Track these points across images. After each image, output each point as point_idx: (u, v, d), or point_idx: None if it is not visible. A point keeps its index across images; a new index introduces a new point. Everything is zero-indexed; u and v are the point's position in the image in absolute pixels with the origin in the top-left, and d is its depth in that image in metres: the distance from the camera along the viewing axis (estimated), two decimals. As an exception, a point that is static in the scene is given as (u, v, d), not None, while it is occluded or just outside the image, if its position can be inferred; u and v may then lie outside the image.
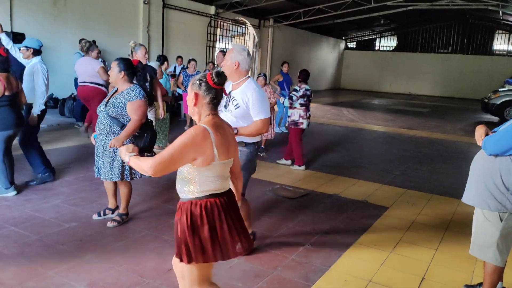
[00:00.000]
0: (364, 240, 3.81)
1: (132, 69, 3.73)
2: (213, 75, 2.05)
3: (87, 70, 6.59)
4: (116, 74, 3.64)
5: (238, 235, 2.10)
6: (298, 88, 6.21)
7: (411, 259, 3.51)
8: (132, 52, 5.45)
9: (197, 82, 2.07)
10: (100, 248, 3.40)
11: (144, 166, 1.94)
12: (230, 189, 2.20)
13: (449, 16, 24.13)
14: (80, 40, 8.12)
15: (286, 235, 3.84)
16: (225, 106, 3.23)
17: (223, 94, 2.16)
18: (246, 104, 3.13)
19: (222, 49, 8.41)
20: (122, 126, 3.64)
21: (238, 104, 3.15)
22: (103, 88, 6.71)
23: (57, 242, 3.45)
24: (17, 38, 9.02)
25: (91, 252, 3.32)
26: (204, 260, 2.05)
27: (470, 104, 20.47)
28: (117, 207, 4.02)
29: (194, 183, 2.05)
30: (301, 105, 6.16)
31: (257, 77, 7.09)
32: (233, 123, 3.08)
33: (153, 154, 3.73)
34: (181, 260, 2.05)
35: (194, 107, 2.10)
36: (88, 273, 2.99)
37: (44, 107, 4.84)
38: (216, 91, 2.07)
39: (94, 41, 10.49)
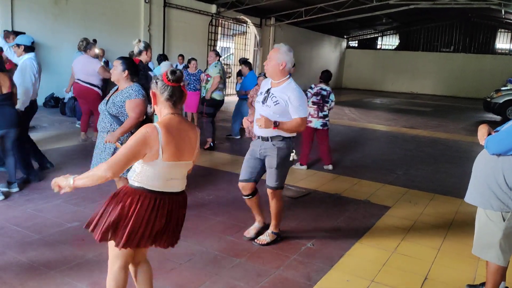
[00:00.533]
0: (366, 240, 3.80)
1: (134, 68, 3.73)
2: (168, 73, 2.08)
3: (86, 69, 6.60)
4: (119, 72, 3.63)
5: (160, 236, 2.19)
6: (313, 86, 6.22)
7: (413, 258, 3.50)
8: (141, 50, 5.26)
9: (154, 81, 2.14)
10: (102, 247, 3.36)
11: (100, 172, 1.98)
12: (177, 193, 2.22)
13: (451, 15, 24.05)
14: (88, 41, 8.10)
15: (288, 234, 3.83)
16: (263, 102, 3.40)
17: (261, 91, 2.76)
18: (286, 102, 3.30)
19: (214, 49, 8.35)
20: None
21: (277, 101, 3.33)
22: (96, 89, 6.73)
23: (59, 241, 3.45)
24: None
25: (93, 251, 3.31)
26: (117, 244, 2.11)
27: (473, 103, 20.43)
28: None
29: (138, 174, 2.12)
30: (313, 103, 6.13)
31: (258, 76, 7.09)
32: (271, 117, 3.29)
33: None
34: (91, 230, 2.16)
35: (155, 106, 2.16)
36: (90, 272, 2.99)
37: (28, 105, 4.85)
38: (172, 88, 2.10)
39: (94, 40, 10.50)
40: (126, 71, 3.64)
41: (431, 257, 3.54)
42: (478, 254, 2.79)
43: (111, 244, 2.17)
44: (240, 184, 3.63)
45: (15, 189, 4.49)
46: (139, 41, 5.28)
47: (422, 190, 5.45)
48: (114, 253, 2.21)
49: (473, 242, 2.81)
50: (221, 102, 7.44)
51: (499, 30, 25.89)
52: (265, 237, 3.64)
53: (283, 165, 3.48)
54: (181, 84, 2.15)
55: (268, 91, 3.42)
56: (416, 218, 4.43)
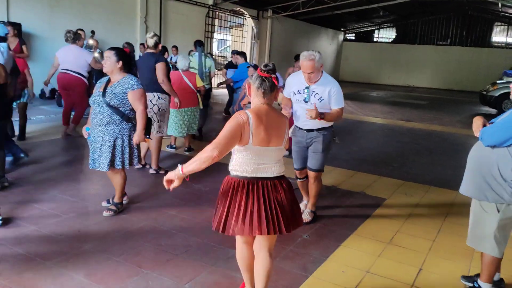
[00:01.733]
0: (361, 231, 3.82)
1: (128, 58, 3.72)
2: (262, 66, 2.28)
3: (78, 60, 6.52)
4: (113, 63, 3.62)
5: (254, 219, 2.24)
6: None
7: (408, 250, 3.53)
8: (157, 43, 5.16)
9: (252, 75, 2.42)
10: (98, 238, 3.40)
11: (207, 153, 2.15)
12: (271, 177, 2.30)
13: (448, 8, 24.01)
14: (77, 31, 7.98)
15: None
16: (305, 100, 3.66)
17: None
18: (328, 95, 3.60)
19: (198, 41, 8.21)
20: (123, 116, 3.66)
21: (321, 97, 3.61)
22: (85, 79, 6.69)
23: (55, 232, 3.45)
24: (15, 28, 8.95)
25: (89, 242, 3.32)
26: (216, 228, 2.32)
27: (469, 96, 20.46)
28: (124, 194, 4.07)
29: (233, 164, 2.33)
30: None
31: (248, 67, 7.04)
32: None
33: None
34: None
35: (249, 96, 2.36)
36: (86, 263, 2.99)
37: None
38: (262, 79, 2.27)
39: (93, 32, 10.44)
40: (120, 62, 3.63)
41: (426, 248, 3.57)
42: (473, 246, 2.81)
43: None
44: (297, 171, 4.10)
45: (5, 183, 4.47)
46: (155, 34, 5.20)
47: (418, 182, 5.47)
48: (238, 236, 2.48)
49: (468, 234, 2.83)
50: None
51: (496, 23, 25.88)
52: (307, 216, 3.94)
53: (327, 150, 3.89)
54: (273, 76, 2.29)
55: (307, 88, 3.64)
56: (412, 210, 4.46)
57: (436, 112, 13.91)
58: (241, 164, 2.29)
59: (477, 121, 2.71)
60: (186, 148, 6.42)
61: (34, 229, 3.47)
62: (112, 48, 3.71)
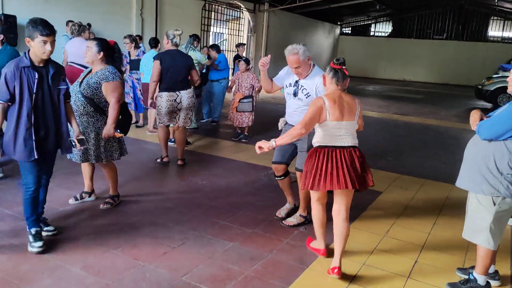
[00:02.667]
0: (357, 224, 3.84)
1: (110, 50, 3.67)
2: (335, 60, 2.90)
3: (79, 51, 6.48)
4: (94, 54, 3.57)
5: (337, 178, 2.84)
6: None
7: (404, 242, 3.55)
8: (177, 40, 5.18)
9: (326, 68, 2.97)
10: (95, 231, 3.40)
11: (297, 131, 2.81)
12: (347, 146, 2.90)
13: (444, 2, 24.03)
14: (68, 22, 7.94)
15: (281, 219, 3.85)
16: (294, 95, 3.57)
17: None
18: (316, 91, 3.45)
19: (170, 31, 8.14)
20: (96, 107, 3.58)
21: (308, 93, 3.49)
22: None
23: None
24: (8, 20, 8.88)
25: (86, 235, 3.32)
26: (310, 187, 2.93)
27: (464, 90, 20.52)
28: (93, 191, 4.04)
29: (316, 137, 2.96)
30: None
31: (238, 61, 7.00)
32: (302, 110, 3.37)
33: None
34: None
35: (325, 86, 3.00)
36: (83, 256, 3.00)
37: None
38: (335, 70, 2.89)
39: (89, 24, 10.35)
40: (101, 53, 3.58)
41: (422, 241, 3.60)
42: (468, 238, 2.83)
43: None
44: (273, 166, 3.84)
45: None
46: (177, 32, 5.21)
47: (413, 176, 5.50)
48: (312, 195, 3.13)
49: (464, 226, 2.85)
50: None
51: (492, 17, 25.91)
52: (293, 219, 3.78)
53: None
54: (344, 67, 2.91)
55: (296, 82, 3.55)
56: (407, 203, 4.49)
57: (432, 106, 13.94)
58: (322, 136, 2.90)
59: (474, 115, 2.72)
60: (188, 141, 6.54)
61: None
62: (94, 39, 3.69)
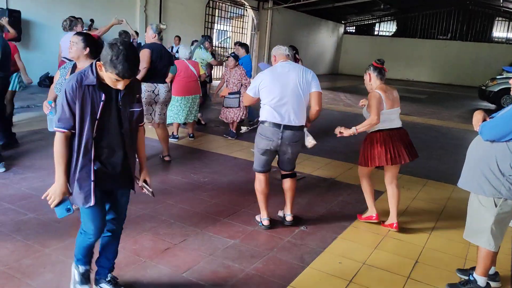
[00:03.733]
0: (359, 224, 3.85)
1: (96, 46, 3.62)
2: (377, 60, 3.70)
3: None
4: (80, 49, 3.43)
5: (395, 154, 3.61)
6: None
7: (405, 242, 3.55)
8: (160, 33, 5.25)
9: (369, 67, 3.74)
10: (97, 227, 3.40)
11: (370, 122, 3.52)
12: (398, 128, 3.69)
13: (449, 2, 23.95)
14: (71, 19, 7.86)
15: (282, 217, 3.86)
16: None
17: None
18: None
19: (177, 35, 8.17)
20: None
21: None
22: None
23: (54, 220, 3.44)
24: (13, 15, 8.90)
25: (88, 231, 3.32)
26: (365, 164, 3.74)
27: (468, 91, 20.47)
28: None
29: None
30: None
31: (227, 57, 6.99)
32: None
33: None
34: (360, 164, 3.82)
35: (369, 82, 3.70)
36: (85, 251, 3.00)
37: None
38: (379, 69, 3.68)
39: (92, 20, 10.37)
40: (87, 48, 3.51)
41: (423, 241, 3.60)
42: (469, 239, 2.83)
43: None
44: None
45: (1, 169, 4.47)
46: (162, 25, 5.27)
47: (415, 176, 5.49)
48: (362, 172, 3.88)
49: (465, 227, 2.85)
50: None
51: (497, 18, 25.83)
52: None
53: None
54: (383, 66, 3.71)
55: None
56: (409, 203, 4.49)
57: (435, 106, 13.92)
58: (382, 122, 3.53)
59: (477, 115, 2.72)
60: (190, 135, 6.65)
61: (33, 217, 3.47)
62: (79, 33, 3.54)
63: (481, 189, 2.65)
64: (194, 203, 4.07)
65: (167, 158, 5.40)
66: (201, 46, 7.55)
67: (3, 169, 4.46)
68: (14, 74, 5.84)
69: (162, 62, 5.10)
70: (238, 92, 6.79)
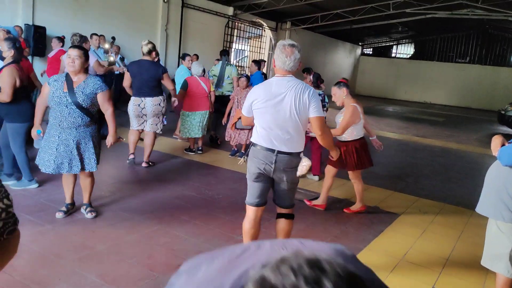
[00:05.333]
0: (374, 246, 3.79)
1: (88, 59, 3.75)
2: (344, 78, 3.96)
3: None
4: (82, 63, 3.58)
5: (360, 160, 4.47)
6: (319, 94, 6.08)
7: (421, 267, 3.49)
8: (151, 50, 5.54)
9: (341, 83, 4.45)
10: (112, 240, 3.44)
11: (334, 132, 4.06)
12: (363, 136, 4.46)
13: (468, 26, 23.85)
14: (91, 35, 8.01)
15: (296, 237, 3.83)
16: None
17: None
18: None
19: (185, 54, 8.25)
20: (92, 117, 3.65)
21: None
22: None
23: (70, 232, 3.50)
24: (38, 31, 9.20)
25: (103, 243, 3.36)
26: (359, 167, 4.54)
27: (487, 115, 20.20)
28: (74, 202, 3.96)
29: (350, 134, 4.44)
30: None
31: (239, 78, 6.85)
32: None
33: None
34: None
35: (343, 96, 4.43)
36: (99, 264, 3.03)
37: None
38: (348, 85, 4.49)
39: (113, 38, 10.63)
40: (87, 62, 3.66)
41: (439, 266, 3.52)
42: (487, 266, 2.77)
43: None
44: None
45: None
46: (149, 42, 5.58)
47: (433, 199, 5.41)
48: (331, 172, 4.62)
49: (483, 253, 2.79)
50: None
51: (517, 42, 25.60)
52: None
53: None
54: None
55: None
56: (426, 227, 4.41)
57: (453, 129, 13.76)
58: (354, 132, 4.43)
59: (496, 140, 2.69)
60: (199, 148, 6.75)
61: (50, 228, 3.53)
62: (79, 47, 3.60)
63: (499, 215, 2.61)
64: (208, 219, 4.08)
65: (144, 164, 5.69)
66: (227, 62, 7.72)
67: (36, 185, 4.49)
68: (35, 91, 6.02)
69: (144, 77, 5.46)
70: None
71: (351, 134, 4.45)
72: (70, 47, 3.68)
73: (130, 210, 4.10)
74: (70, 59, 3.53)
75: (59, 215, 3.76)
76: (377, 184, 5.89)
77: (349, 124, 4.34)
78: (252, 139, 3.00)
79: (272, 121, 2.85)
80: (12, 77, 4.11)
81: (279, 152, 2.87)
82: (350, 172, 4.56)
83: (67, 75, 3.61)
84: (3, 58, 4.35)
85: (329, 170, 4.62)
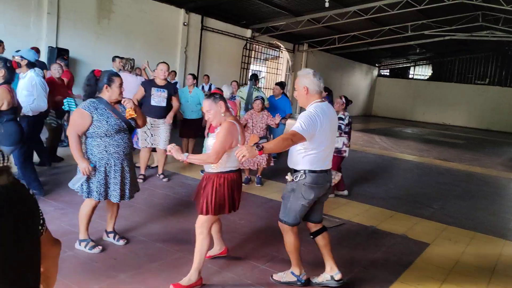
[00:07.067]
0: (406, 279, 3.61)
1: None
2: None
3: (133, 87, 6.58)
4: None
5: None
6: (343, 116, 6.00)
7: (457, 302, 3.30)
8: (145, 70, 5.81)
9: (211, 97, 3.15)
10: (134, 268, 3.34)
11: (205, 157, 3.06)
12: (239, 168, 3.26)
13: (487, 47, 23.64)
14: (114, 58, 8.10)
15: (322, 266, 3.68)
16: None
17: None
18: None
19: (191, 74, 8.22)
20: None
21: None
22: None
23: (92, 259, 3.42)
24: (62, 53, 9.37)
25: (125, 272, 3.26)
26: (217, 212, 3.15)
27: (508, 137, 19.79)
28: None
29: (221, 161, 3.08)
30: (345, 132, 5.97)
31: (254, 100, 6.58)
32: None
33: None
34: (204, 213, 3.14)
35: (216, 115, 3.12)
36: (122, 294, 2.93)
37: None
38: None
39: (133, 59, 10.75)
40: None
41: (476, 302, 3.33)
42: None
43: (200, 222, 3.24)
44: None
45: None
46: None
47: (461, 228, 5.19)
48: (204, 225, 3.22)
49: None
50: None
51: (537, 64, 25.25)
52: (282, 275, 3.36)
53: (288, 199, 3.19)
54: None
55: None
56: (458, 258, 4.21)
57: (475, 152, 13.46)
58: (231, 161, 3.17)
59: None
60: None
61: (71, 255, 3.45)
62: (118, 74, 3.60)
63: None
64: (231, 245, 3.95)
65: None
66: (254, 87, 7.70)
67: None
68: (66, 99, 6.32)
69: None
70: (266, 137, 6.49)
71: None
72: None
73: (151, 236, 4.01)
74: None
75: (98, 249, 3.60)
76: (403, 211, 5.71)
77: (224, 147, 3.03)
78: (308, 167, 3.04)
79: (330, 142, 3.13)
80: (0, 99, 4.14)
81: (329, 170, 3.16)
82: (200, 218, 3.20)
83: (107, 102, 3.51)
84: None
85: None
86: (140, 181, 5.66)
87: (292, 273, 3.32)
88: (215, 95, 3.14)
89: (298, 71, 3.27)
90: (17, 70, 5.28)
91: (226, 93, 6.44)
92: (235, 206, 3.25)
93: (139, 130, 5.67)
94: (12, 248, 1.14)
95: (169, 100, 5.91)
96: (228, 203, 3.13)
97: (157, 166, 6.35)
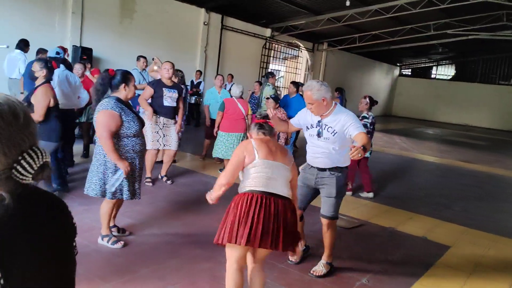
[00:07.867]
0: (425, 281, 3.59)
1: None
2: (257, 115, 3.14)
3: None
4: None
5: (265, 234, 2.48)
6: (367, 116, 6.01)
7: (477, 306, 3.26)
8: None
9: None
10: (155, 264, 3.41)
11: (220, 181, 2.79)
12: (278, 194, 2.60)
13: (511, 47, 23.05)
14: (139, 57, 8.29)
15: (340, 268, 3.68)
16: (319, 135, 3.35)
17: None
18: (342, 125, 3.25)
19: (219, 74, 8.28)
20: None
21: (335, 130, 3.28)
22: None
23: (114, 254, 3.50)
24: (86, 53, 9.57)
25: (146, 267, 3.33)
26: (226, 240, 2.53)
27: (533, 139, 19.30)
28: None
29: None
30: (368, 132, 5.96)
31: (267, 99, 6.62)
32: (332, 149, 3.31)
33: None
34: (215, 241, 2.65)
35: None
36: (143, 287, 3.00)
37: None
38: (259, 124, 2.83)
39: (153, 59, 10.89)
40: None
41: (498, 306, 3.29)
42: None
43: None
44: None
45: None
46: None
47: (483, 230, 5.12)
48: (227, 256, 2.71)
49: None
50: None
51: None
52: (321, 268, 3.52)
53: (341, 194, 3.44)
54: (268, 120, 2.96)
55: (319, 122, 3.35)
56: (479, 261, 4.15)
57: (498, 154, 13.19)
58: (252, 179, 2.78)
59: None
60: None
61: (94, 249, 3.54)
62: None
63: None
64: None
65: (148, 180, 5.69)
66: (268, 84, 7.76)
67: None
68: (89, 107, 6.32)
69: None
70: (278, 137, 6.49)
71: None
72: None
73: (171, 233, 4.07)
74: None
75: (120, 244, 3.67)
76: (423, 212, 5.65)
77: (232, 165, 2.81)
78: (345, 164, 3.40)
79: None
80: (47, 97, 4.30)
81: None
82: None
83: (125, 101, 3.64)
84: (35, 78, 4.47)
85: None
86: (149, 184, 5.61)
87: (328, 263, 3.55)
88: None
89: (304, 87, 3.37)
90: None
91: (236, 92, 6.46)
92: (273, 239, 2.48)
93: (149, 131, 5.53)
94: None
95: (177, 100, 5.83)
96: (248, 230, 2.46)
97: (161, 161, 6.11)
